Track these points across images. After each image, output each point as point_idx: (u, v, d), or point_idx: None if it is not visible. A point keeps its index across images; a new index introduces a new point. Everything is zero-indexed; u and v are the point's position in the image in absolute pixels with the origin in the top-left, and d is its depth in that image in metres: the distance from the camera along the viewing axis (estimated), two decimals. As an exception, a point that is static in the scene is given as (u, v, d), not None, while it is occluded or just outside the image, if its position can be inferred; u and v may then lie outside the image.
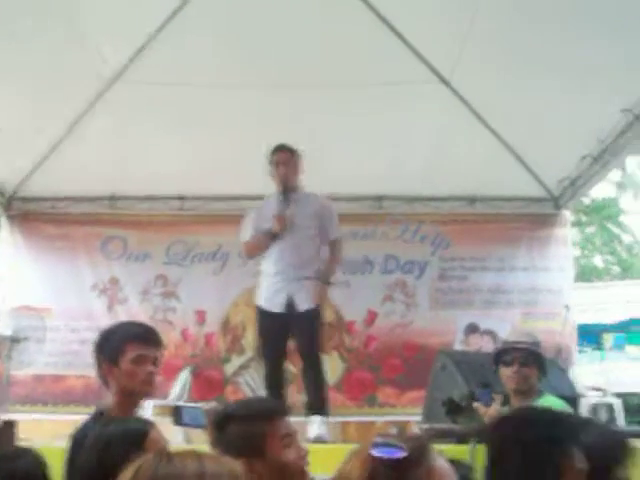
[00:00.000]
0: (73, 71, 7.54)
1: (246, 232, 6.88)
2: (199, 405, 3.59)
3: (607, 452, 2.61)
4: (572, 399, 5.49)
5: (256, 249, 6.83)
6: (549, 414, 2.64)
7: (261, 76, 7.89)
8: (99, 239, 9.73)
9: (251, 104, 8.15)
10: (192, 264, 9.70)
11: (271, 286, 6.66)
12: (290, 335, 6.69)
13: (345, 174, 8.86)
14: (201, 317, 9.60)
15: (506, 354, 4.76)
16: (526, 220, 9.79)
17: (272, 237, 6.60)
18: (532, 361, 4.69)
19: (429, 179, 9.22)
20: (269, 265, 6.70)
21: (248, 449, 2.69)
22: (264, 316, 6.75)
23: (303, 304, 6.53)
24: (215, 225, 9.63)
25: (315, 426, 6.25)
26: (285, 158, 6.68)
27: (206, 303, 9.62)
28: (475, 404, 4.45)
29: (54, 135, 8.64)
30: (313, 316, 6.65)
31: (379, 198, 9.78)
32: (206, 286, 9.64)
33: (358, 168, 8.79)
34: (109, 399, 3.62)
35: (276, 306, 6.57)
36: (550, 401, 4.50)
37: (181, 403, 3.47)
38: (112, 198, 9.68)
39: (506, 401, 4.68)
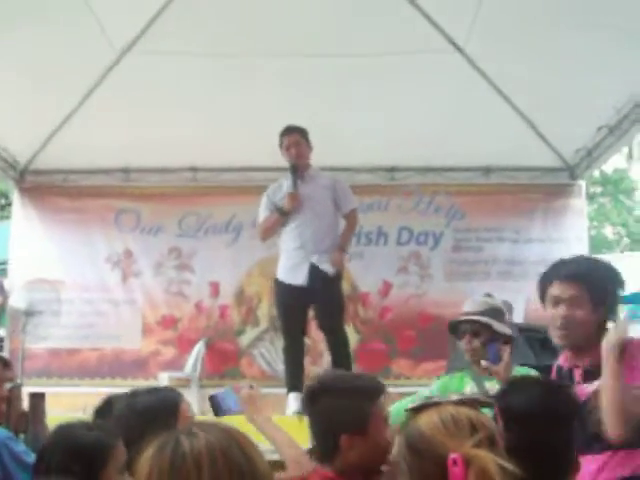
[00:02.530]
0: (84, 43, 7.50)
1: (260, 216, 7.05)
2: (228, 388, 3.54)
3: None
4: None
5: (269, 230, 7.00)
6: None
7: (274, 45, 7.81)
8: (112, 212, 9.70)
9: (264, 73, 8.11)
10: (205, 236, 9.66)
11: (292, 260, 6.77)
12: (310, 307, 6.83)
13: (358, 145, 8.83)
14: (215, 289, 9.58)
15: (458, 327, 4.59)
16: (541, 191, 9.72)
17: (283, 214, 6.75)
18: (483, 330, 4.46)
19: (443, 149, 9.14)
20: (289, 241, 6.82)
21: (350, 425, 2.73)
22: (284, 289, 6.84)
23: (326, 268, 6.68)
24: (228, 196, 9.61)
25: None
26: (295, 140, 6.84)
27: (220, 275, 9.59)
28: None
29: (66, 108, 8.61)
30: (335, 282, 6.82)
31: (392, 169, 9.73)
32: (220, 258, 9.61)
33: (371, 138, 8.75)
34: None
35: (298, 279, 6.69)
36: (521, 371, 4.32)
37: (215, 392, 3.33)
38: (125, 170, 9.65)
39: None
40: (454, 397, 2.12)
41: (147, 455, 1.74)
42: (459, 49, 8.04)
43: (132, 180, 9.72)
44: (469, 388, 4.46)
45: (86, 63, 7.93)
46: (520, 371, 4.31)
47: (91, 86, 8.34)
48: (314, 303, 6.78)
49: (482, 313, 4.55)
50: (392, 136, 8.74)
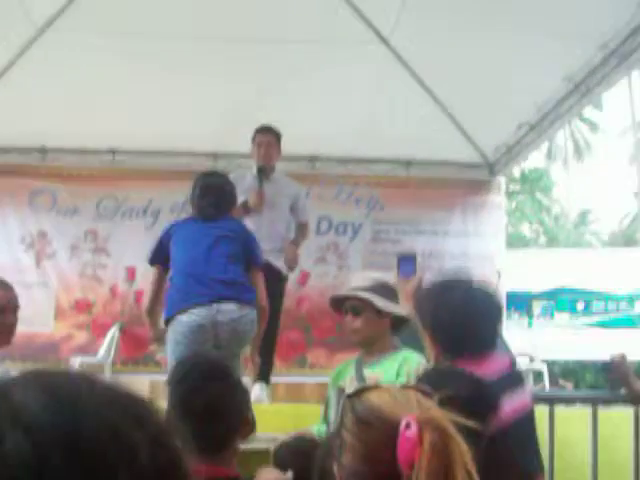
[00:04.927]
0: (4, 18, 7.32)
1: None
2: None
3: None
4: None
5: None
6: None
7: (195, 28, 7.73)
8: (27, 191, 9.49)
9: (186, 57, 8.00)
10: (122, 219, 9.54)
11: None
12: None
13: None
14: (131, 274, 9.44)
15: (342, 304, 4.19)
16: (461, 185, 9.81)
17: (246, 211, 6.80)
18: (366, 309, 4.07)
19: (364, 140, 9.14)
20: None
21: None
22: None
23: (279, 266, 6.98)
24: (146, 180, 9.50)
25: (257, 391, 6.58)
26: (269, 140, 7.09)
27: (136, 259, 9.39)
28: (394, 275, 3.91)
29: (-18, 83, 8.38)
30: (284, 282, 7.18)
31: (313, 158, 9.70)
32: (137, 242, 9.38)
33: (292, 127, 8.62)
34: None
35: None
36: (408, 358, 4.02)
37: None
38: (42, 150, 9.44)
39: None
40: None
41: None
42: (384, 40, 8.05)
43: (49, 160, 9.51)
44: (349, 377, 4.14)
45: (4, 38, 7.74)
46: (407, 358, 4.09)
47: (8, 62, 8.13)
48: None
49: (367, 289, 4.12)
50: (313, 125, 8.70)
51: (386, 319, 4.12)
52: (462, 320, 3.20)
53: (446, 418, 1.80)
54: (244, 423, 2.84)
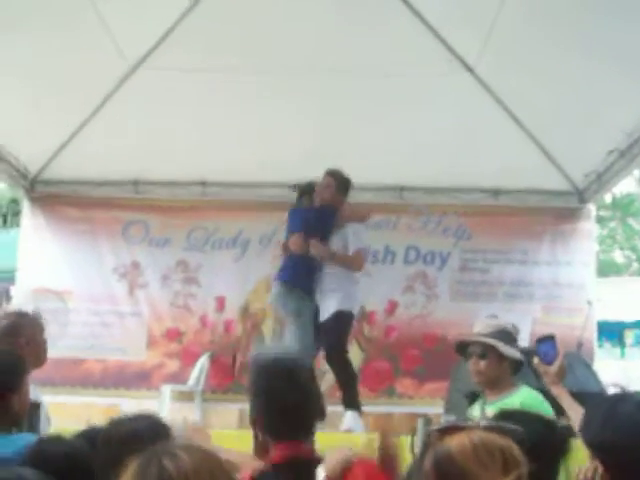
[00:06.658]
0: (98, 55, 7.54)
1: None
2: None
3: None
4: (598, 394, 5.42)
5: None
6: None
7: (286, 62, 7.87)
8: (121, 223, 9.71)
9: (276, 90, 8.14)
10: (212, 250, 9.67)
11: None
12: None
13: (367, 163, 8.78)
14: (220, 303, 9.58)
15: (466, 348, 4.48)
16: (550, 213, 9.69)
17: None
18: (490, 353, 4.34)
19: (452, 170, 9.13)
20: None
21: None
22: None
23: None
24: (236, 211, 9.62)
25: (351, 419, 6.72)
26: (327, 182, 7.03)
27: (226, 289, 9.59)
28: (535, 360, 3.89)
29: (77, 119, 8.63)
30: (340, 319, 6.97)
31: (400, 188, 9.70)
32: (226, 272, 9.62)
33: (380, 157, 8.74)
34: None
35: None
36: (525, 394, 4.26)
37: None
38: (135, 183, 9.66)
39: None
40: (483, 422, 2.09)
41: (129, 476, 1.68)
42: (470, 69, 8.05)
43: (141, 192, 9.72)
44: (475, 414, 4.32)
45: (99, 75, 7.97)
46: (523, 394, 4.25)
47: (103, 98, 8.37)
48: None
49: (491, 335, 4.41)
50: (401, 155, 8.74)
51: (507, 362, 4.37)
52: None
53: None
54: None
